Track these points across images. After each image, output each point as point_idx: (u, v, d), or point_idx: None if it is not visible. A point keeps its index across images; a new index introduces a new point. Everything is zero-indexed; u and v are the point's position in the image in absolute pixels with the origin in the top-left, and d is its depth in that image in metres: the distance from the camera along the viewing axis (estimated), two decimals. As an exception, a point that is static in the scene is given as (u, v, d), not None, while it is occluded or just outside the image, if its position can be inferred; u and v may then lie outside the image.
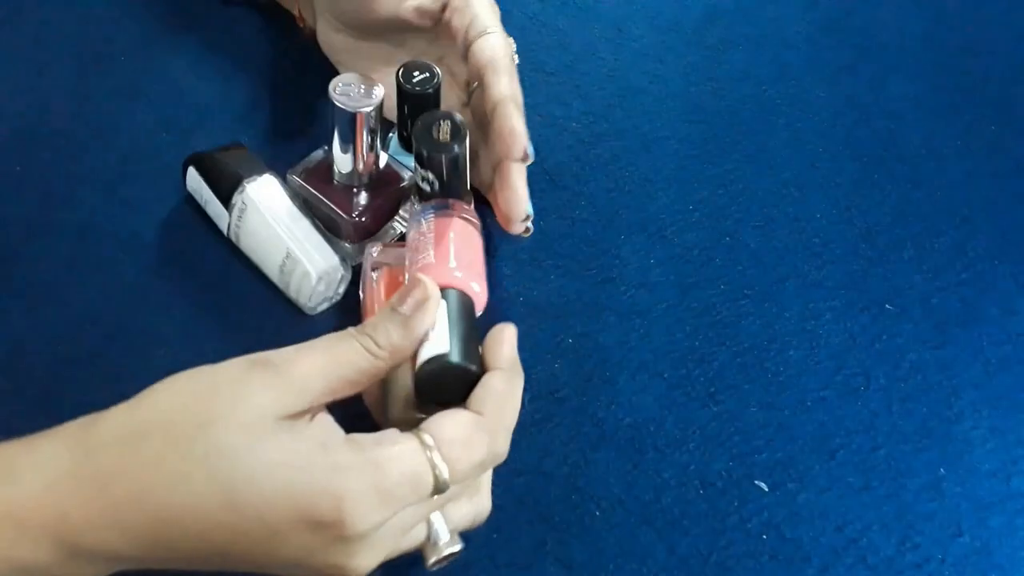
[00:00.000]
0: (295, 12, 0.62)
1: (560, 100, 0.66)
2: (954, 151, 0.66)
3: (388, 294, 0.50)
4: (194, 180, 0.55)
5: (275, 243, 0.52)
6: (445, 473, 0.37)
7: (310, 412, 0.38)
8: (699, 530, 0.48)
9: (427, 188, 0.51)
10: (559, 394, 0.52)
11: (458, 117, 0.50)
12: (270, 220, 0.52)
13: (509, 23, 0.71)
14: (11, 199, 0.56)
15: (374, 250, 0.52)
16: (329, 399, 0.39)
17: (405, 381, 0.43)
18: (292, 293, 0.53)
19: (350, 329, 0.41)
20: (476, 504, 0.43)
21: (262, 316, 0.53)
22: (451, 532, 0.41)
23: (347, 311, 0.53)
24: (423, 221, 0.49)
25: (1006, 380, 0.55)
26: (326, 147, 0.54)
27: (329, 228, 0.54)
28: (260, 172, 0.53)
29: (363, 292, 0.53)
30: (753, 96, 0.68)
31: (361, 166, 0.53)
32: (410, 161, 0.53)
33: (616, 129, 0.65)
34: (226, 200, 0.53)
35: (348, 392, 0.40)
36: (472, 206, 0.54)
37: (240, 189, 0.53)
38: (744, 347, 0.55)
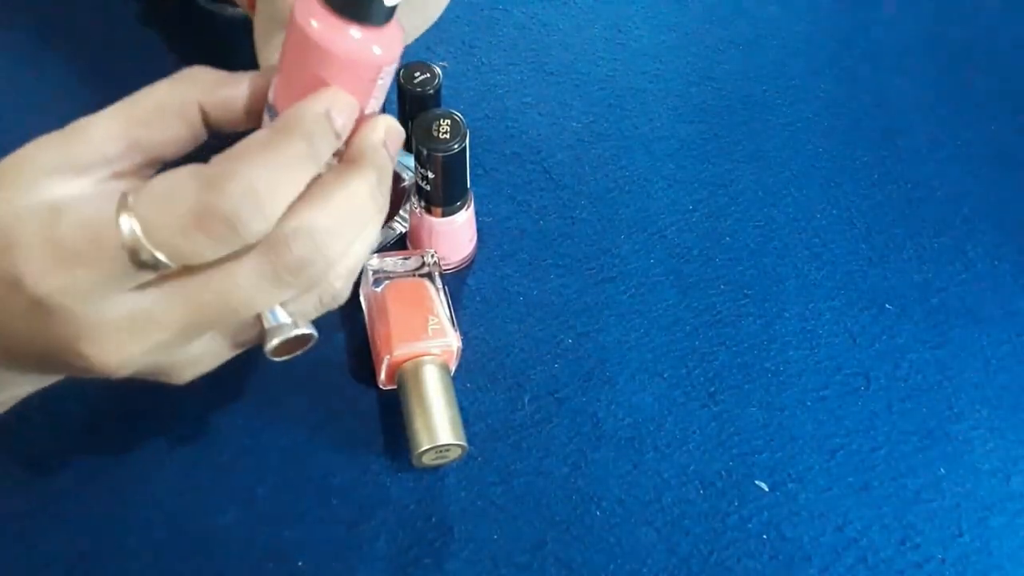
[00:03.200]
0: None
1: (560, 100, 0.66)
2: (954, 151, 0.66)
3: (391, 303, 0.50)
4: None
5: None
6: (138, 231, 0.31)
7: (111, 168, 0.34)
8: (699, 530, 0.48)
9: (427, 187, 0.51)
10: (559, 394, 0.52)
11: (458, 116, 0.50)
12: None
13: (509, 23, 0.71)
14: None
15: (373, 259, 0.52)
16: (131, 144, 0.34)
17: None
18: (292, 293, 0.52)
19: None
20: (323, 288, 0.36)
21: (262, 316, 0.53)
22: (293, 317, 0.36)
23: (346, 311, 0.53)
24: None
25: (1006, 380, 0.55)
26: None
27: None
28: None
29: (363, 299, 0.53)
30: (753, 96, 0.68)
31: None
32: (410, 161, 0.53)
33: (616, 129, 0.65)
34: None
35: (156, 131, 0.35)
36: (472, 207, 0.54)
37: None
38: (744, 347, 0.55)
